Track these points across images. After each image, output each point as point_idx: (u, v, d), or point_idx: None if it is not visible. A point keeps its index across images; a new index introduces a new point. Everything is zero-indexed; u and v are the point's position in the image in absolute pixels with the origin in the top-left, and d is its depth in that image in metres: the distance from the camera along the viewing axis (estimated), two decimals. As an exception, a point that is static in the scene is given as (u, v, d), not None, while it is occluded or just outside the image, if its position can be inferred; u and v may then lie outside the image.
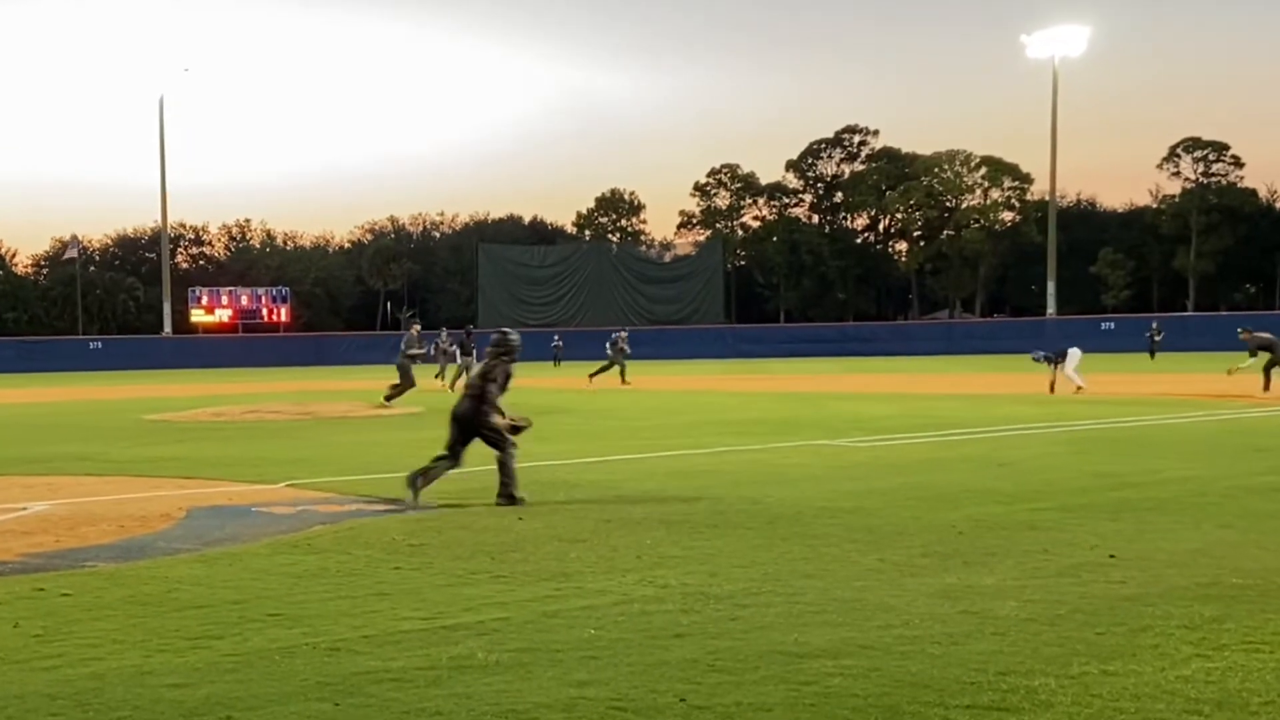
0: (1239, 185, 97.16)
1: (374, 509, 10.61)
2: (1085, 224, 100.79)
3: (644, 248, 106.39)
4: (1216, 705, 4.75)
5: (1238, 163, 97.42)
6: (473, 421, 10.89)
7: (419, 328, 29.91)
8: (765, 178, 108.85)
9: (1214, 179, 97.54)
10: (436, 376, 34.51)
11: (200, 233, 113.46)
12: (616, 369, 35.28)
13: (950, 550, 8.11)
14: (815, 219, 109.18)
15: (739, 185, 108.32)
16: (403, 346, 27.84)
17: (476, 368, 11.24)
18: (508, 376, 11.04)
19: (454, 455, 10.96)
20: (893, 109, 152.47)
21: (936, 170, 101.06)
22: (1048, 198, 79.32)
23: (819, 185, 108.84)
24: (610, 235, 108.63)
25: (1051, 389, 25.94)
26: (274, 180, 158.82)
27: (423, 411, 24.14)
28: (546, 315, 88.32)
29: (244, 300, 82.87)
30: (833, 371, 45.19)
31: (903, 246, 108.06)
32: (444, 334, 37.43)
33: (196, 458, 15.60)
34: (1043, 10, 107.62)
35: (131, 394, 35.96)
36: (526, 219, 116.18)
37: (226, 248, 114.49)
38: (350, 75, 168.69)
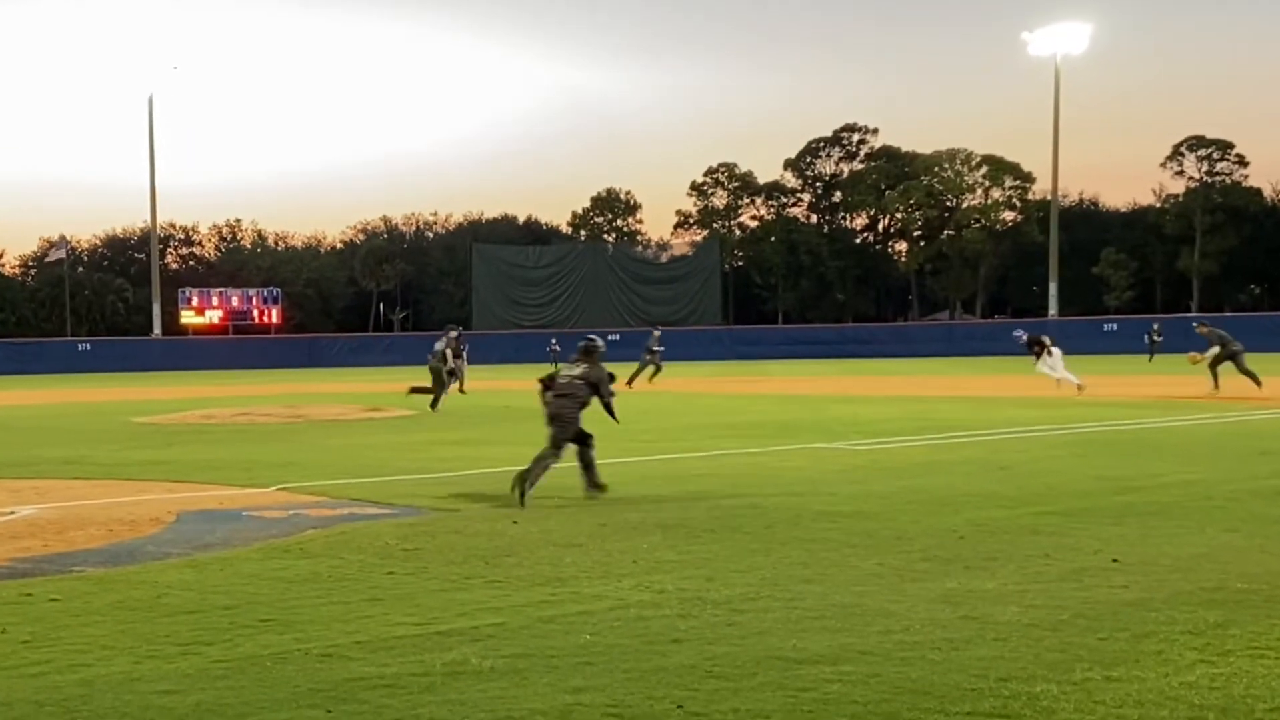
0: (1243, 185, 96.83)
1: (367, 513, 10.56)
2: (1087, 224, 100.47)
3: (640, 248, 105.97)
4: (1221, 712, 4.72)
5: (1242, 161, 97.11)
6: (574, 423, 11.37)
7: (458, 333, 28.08)
8: (763, 177, 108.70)
9: (1218, 178, 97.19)
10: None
11: (190, 233, 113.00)
12: (649, 369, 35.70)
13: (951, 555, 8.07)
14: (814, 219, 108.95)
15: (736, 184, 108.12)
16: (439, 348, 26.98)
17: (574, 369, 11.65)
18: (611, 376, 11.77)
19: (556, 450, 11.33)
20: (892, 107, 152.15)
21: (937, 169, 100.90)
22: (1049, 197, 79.35)
23: (817, 185, 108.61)
24: (606, 235, 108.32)
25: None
26: (265, 180, 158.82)
27: (417, 414, 24.10)
28: (541, 317, 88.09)
29: (234, 301, 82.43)
30: (831, 373, 45.18)
31: (902, 247, 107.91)
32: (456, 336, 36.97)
33: (186, 461, 15.54)
34: (1044, 7, 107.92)
35: (120, 396, 35.85)
36: (521, 219, 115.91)
37: (217, 248, 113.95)
38: (342, 73, 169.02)
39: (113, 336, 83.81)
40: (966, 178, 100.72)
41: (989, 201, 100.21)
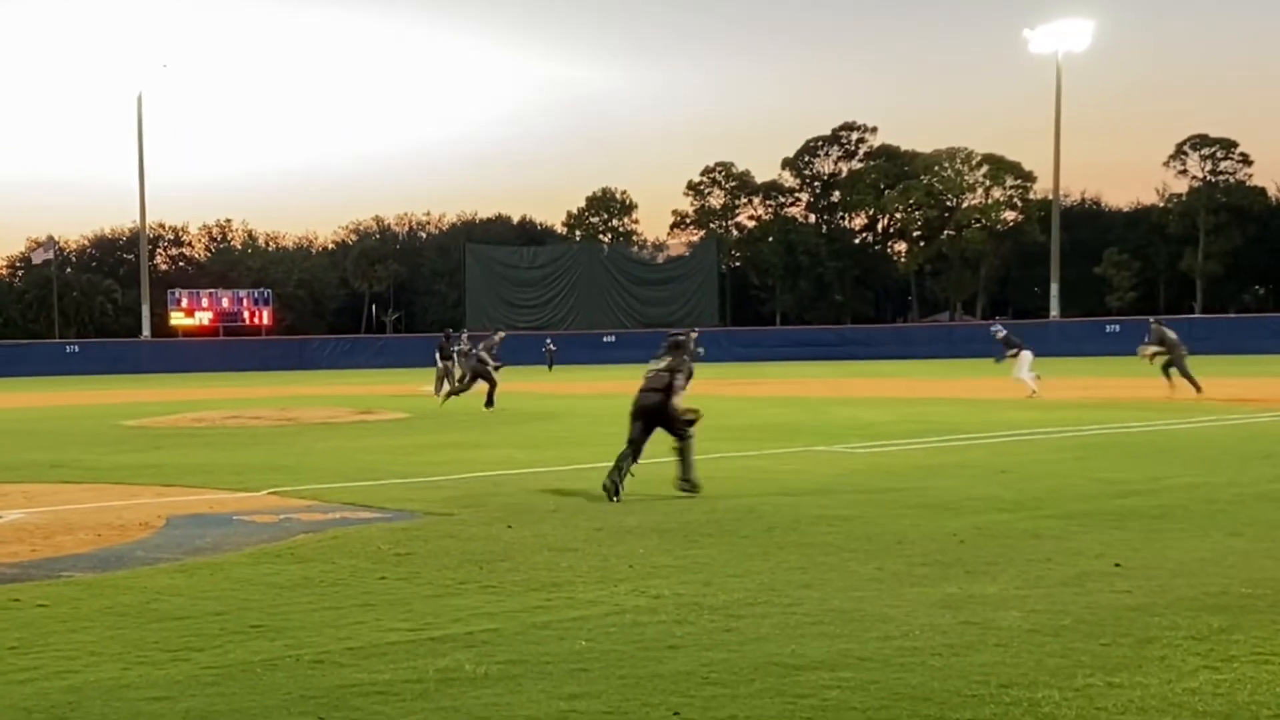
0: (1247, 184, 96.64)
1: (359, 517, 10.50)
2: (1089, 224, 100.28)
3: (636, 248, 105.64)
4: (1225, 718, 4.71)
5: (1246, 160, 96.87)
6: (662, 413, 11.53)
7: (504, 335, 29.57)
8: (760, 176, 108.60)
9: (1222, 177, 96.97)
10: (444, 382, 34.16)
11: (180, 233, 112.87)
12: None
13: (951, 559, 8.03)
14: (812, 218, 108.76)
15: (734, 184, 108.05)
16: (479, 349, 27.05)
17: (660, 363, 11.78)
18: (690, 374, 11.92)
19: (635, 449, 11.43)
20: (891, 105, 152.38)
21: (936, 169, 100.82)
22: (1051, 196, 79.44)
23: (816, 184, 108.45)
24: (601, 235, 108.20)
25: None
26: (256, 179, 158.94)
27: (410, 417, 24.06)
28: (536, 318, 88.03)
29: (225, 302, 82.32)
30: (830, 375, 45.18)
31: (902, 247, 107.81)
32: (464, 338, 36.91)
33: (176, 465, 15.49)
34: (1045, 4, 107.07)
35: (109, 399, 35.82)
36: (515, 219, 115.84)
37: (207, 249, 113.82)
38: (334, 72, 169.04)
39: (101, 338, 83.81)
40: (967, 177, 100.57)
41: (989, 201, 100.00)
